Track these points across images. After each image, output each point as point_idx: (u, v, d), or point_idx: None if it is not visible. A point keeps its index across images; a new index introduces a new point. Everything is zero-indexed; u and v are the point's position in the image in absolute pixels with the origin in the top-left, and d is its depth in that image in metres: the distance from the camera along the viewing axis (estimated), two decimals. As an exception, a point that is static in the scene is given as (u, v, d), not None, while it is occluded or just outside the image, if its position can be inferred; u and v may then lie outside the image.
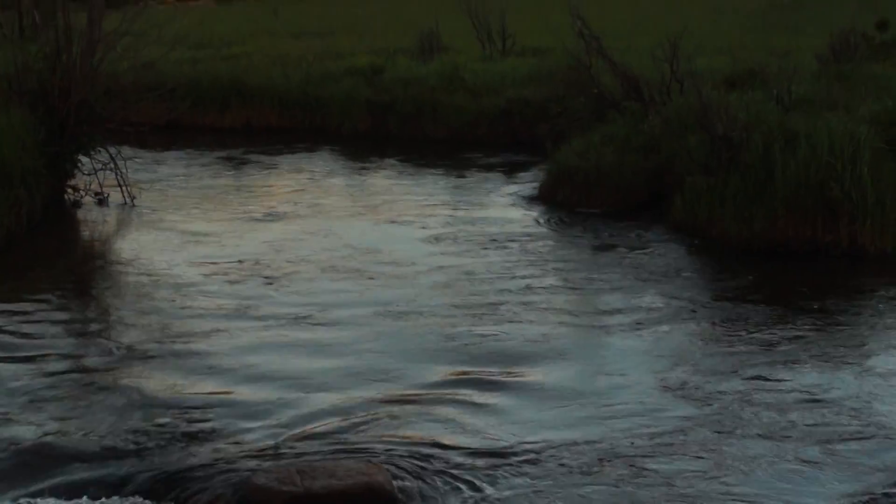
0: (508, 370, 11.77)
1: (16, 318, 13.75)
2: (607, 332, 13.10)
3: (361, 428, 10.18)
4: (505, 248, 16.91)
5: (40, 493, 8.88)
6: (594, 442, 9.78)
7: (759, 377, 11.38)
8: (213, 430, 10.16)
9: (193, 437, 10.01)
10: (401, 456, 9.45)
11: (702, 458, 9.46)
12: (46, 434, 10.04)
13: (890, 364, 11.87)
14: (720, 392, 10.96)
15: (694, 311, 13.80)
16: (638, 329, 13.05)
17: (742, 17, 47.35)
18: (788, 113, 18.86)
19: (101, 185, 20.92)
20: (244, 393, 11.19)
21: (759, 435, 9.90)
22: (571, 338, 12.87)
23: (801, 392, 10.94)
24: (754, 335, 12.79)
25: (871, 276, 15.58)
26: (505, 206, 20.08)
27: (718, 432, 9.95)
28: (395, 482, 8.89)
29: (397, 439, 9.88)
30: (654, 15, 49.20)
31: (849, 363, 11.86)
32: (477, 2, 34.06)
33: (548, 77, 27.62)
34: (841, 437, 9.87)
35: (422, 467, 9.26)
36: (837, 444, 9.71)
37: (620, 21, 44.27)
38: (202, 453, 9.61)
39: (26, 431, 10.07)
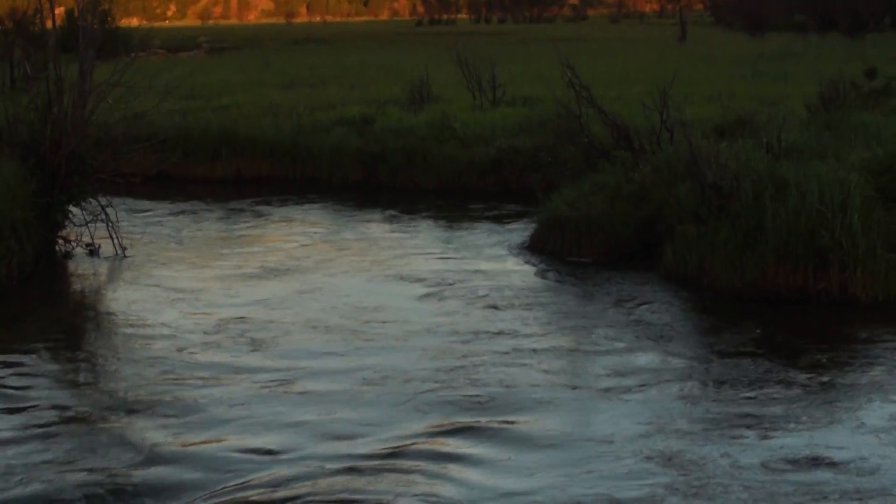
0: (492, 427, 11.69)
1: (6, 369, 13.72)
2: (595, 388, 12.92)
3: (350, 480, 10.15)
4: (495, 300, 16.83)
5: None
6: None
7: (748, 437, 11.23)
8: (201, 483, 10.13)
9: (181, 489, 9.97)
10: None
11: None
12: (33, 485, 9.99)
13: (884, 418, 11.76)
14: (707, 455, 10.76)
15: (683, 366, 13.70)
16: (626, 385, 12.90)
17: (731, 66, 47.58)
18: (778, 161, 18.91)
19: (92, 236, 20.92)
20: (233, 446, 11.15)
21: (745, 501, 9.79)
22: (559, 394, 12.74)
23: (791, 452, 10.78)
24: (744, 391, 12.66)
25: (862, 324, 15.53)
26: (496, 257, 20.05)
27: (707, 500, 9.82)
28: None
29: (384, 491, 9.84)
30: (644, 64, 49.50)
31: (842, 419, 11.75)
32: (467, 52, 34.24)
33: (538, 126, 27.73)
34: (835, 500, 9.77)
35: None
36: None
37: (610, 70, 44.54)
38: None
39: (13, 483, 10.02)
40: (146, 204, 25.86)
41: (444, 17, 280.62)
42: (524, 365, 13.79)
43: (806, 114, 26.53)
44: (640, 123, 23.11)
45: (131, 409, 12.28)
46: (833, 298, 16.27)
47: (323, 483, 10.13)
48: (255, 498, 9.80)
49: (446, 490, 10.10)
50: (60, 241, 20.93)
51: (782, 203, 16.73)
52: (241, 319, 15.93)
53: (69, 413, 12.24)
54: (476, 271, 18.78)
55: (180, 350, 14.51)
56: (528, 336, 14.98)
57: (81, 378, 13.77)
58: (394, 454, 10.91)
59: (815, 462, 10.57)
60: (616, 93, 33.08)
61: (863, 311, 16.01)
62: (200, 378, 13.32)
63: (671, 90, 22.27)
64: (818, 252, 16.38)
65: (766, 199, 16.88)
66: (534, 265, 19.34)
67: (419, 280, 18.26)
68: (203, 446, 11.16)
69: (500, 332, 15.12)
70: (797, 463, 10.55)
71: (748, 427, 11.53)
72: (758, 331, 15.20)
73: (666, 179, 19.12)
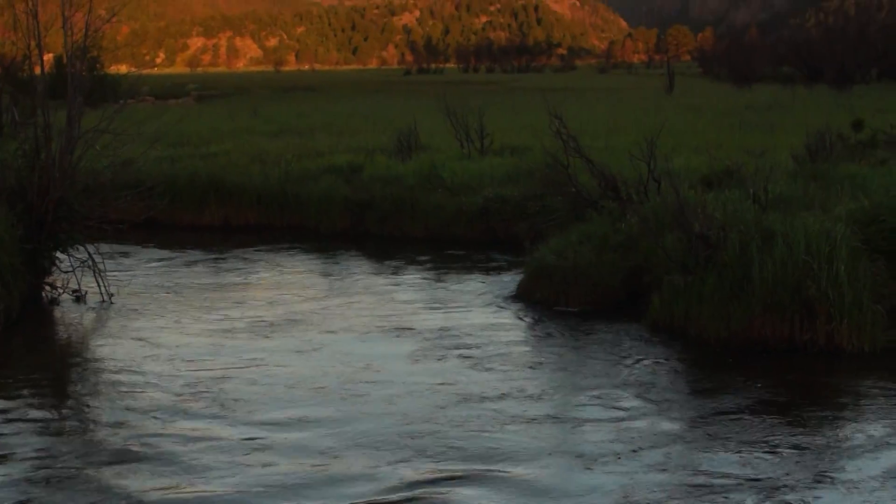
0: (477, 475, 11.69)
1: (-10, 416, 13.66)
2: (581, 443, 12.85)
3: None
4: (482, 354, 16.72)
5: None
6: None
7: (735, 498, 11.15)
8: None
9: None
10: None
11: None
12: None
13: (873, 476, 11.67)
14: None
15: (670, 421, 13.61)
16: (612, 443, 12.81)
17: (719, 117, 47.79)
18: (765, 212, 18.97)
19: (78, 283, 20.89)
20: (219, 495, 11.09)
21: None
22: (544, 446, 12.71)
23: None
24: (731, 450, 12.54)
25: (848, 375, 15.54)
26: (483, 307, 20.00)
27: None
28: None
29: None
30: (632, 114, 49.69)
31: (830, 476, 11.68)
32: (455, 101, 34.34)
33: (526, 176, 27.78)
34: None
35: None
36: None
37: (598, 120, 44.68)
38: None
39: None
40: (133, 251, 25.84)
41: (433, 66, 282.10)
42: (512, 412, 13.75)
43: (793, 165, 26.65)
44: (627, 173, 23.18)
45: (114, 459, 12.21)
46: (820, 349, 16.29)
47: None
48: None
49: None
50: (47, 288, 20.90)
51: (769, 254, 16.78)
52: (226, 372, 15.83)
53: (52, 460, 12.17)
54: (463, 323, 18.70)
55: (164, 401, 14.43)
56: (515, 392, 14.82)
57: (66, 426, 13.68)
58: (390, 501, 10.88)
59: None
60: (604, 143, 33.24)
61: (849, 361, 16.01)
62: (184, 429, 13.26)
63: (659, 140, 22.37)
64: (805, 303, 16.42)
65: (753, 250, 16.92)
66: (521, 316, 19.31)
67: (406, 333, 18.14)
68: (184, 495, 11.10)
69: (487, 388, 15.00)
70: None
71: (734, 489, 11.42)
72: (745, 383, 15.13)
73: (653, 229, 19.17)
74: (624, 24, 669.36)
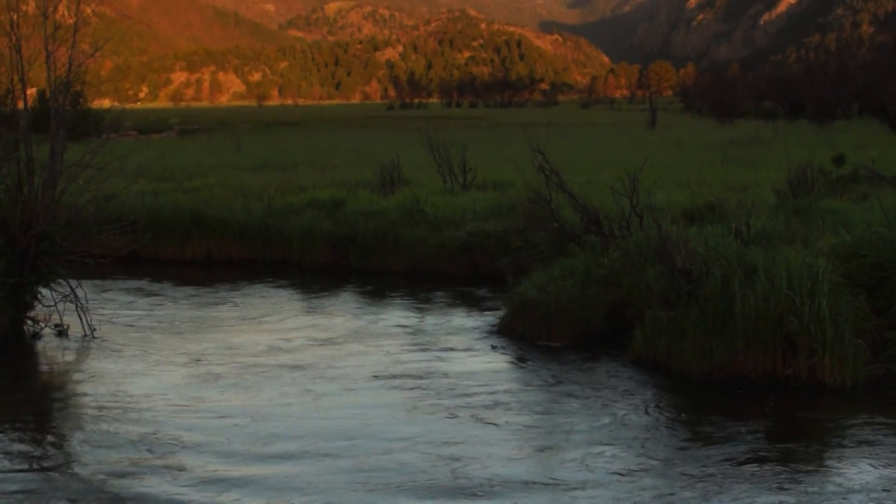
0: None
1: (-30, 452, 13.59)
2: (565, 480, 12.83)
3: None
4: (465, 391, 16.59)
5: None
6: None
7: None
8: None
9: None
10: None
11: None
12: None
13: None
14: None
15: (653, 458, 13.57)
16: (595, 476, 12.81)
17: (701, 152, 47.95)
18: (747, 246, 19.02)
19: (61, 317, 20.82)
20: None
21: None
22: (526, 482, 12.68)
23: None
24: (713, 482, 12.53)
25: (831, 409, 15.54)
26: (465, 342, 19.94)
27: None
28: None
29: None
30: (614, 149, 49.82)
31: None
32: (438, 135, 34.42)
33: (508, 210, 27.82)
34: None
35: None
36: None
37: (580, 155, 44.79)
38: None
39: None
40: (116, 285, 25.78)
41: (416, 101, 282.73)
42: (494, 451, 13.72)
43: (775, 200, 26.75)
44: (609, 208, 23.23)
45: (94, 496, 12.16)
46: (802, 383, 16.31)
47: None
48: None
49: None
50: (29, 322, 20.84)
51: (751, 288, 16.82)
52: (207, 411, 15.76)
53: (32, 496, 12.12)
54: (445, 360, 18.59)
55: (146, 438, 14.37)
56: (496, 430, 14.75)
57: (47, 461, 13.62)
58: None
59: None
60: (586, 178, 33.32)
61: (831, 395, 16.02)
62: (166, 466, 13.21)
63: (641, 175, 22.41)
64: (787, 337, 16.46)
65: (735, 285, 16.96)
66: (504, 351, 19.28)
67: (387, 370, 17.98)
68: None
69: (468, 426, 14.93)
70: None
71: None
72: (728, 418, 15.11)
73: (635, 264, 19.19)
74: (606, 59, 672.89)
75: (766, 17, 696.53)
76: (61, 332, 20.77)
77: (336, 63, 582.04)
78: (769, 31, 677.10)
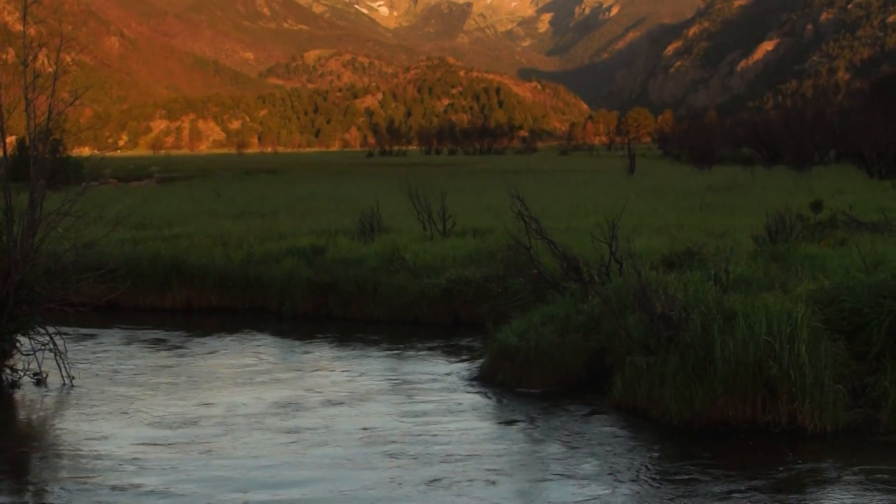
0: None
1: (-53, 502, 13.50)
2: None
3: None
4: (444, 437, 16.55)
5: None
6: None
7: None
8: None
9: None
10: None
11: None
12: None
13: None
14: None
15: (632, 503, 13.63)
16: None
17: (679, 198, 48.14)
18: (726, 292, 19.07)
19: (39, 366, 20.75)
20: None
21: None
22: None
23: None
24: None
25: (811, 455, 15.55)
26: (445, 390, 19.90)
27: None
28: None
29: None
30: (593, 196, 49.99)
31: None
32: (417, 182, 34.50)
33: (488, 257, 27.86)
34: None
35: None
36: None
37: (560, 202, 44.93)
38: None
39: None
40: (95, 333, 25.70)
41: (395, 148, 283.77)
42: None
43: (753, 245, 26.84)
44: (589, 255, 23.28)
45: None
46: (782, 429, 16.33)
47: None
48: None
49: None
50: (7, 370, 20.75)
51: (731, 334, 16.85)
52: (186, 461, 15.67)
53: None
54: (426, 410, 18.46)
55: (124, 487, 14.31)
56: (474, 480, 14.69)
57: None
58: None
59: None
60: (565, 224, 33.41)
61: (811, 441, 16.04)
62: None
63: (620, 222, 22.50)
64: (767, 383, 16.49)
65: (715, 331, 16.99)
66: (484, 397, 19.24)
67: (366, 419, 17.91)
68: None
69: (448, 475, 14.88)
70: None
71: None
72: (708, 464, 15.11)
73: (615, 311, 19.21)
74: (585, 106, 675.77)
75: (742, 63, 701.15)
76: (40, 380, 20.69)
77: (315, 111, 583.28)
78: (746, 78, 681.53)
